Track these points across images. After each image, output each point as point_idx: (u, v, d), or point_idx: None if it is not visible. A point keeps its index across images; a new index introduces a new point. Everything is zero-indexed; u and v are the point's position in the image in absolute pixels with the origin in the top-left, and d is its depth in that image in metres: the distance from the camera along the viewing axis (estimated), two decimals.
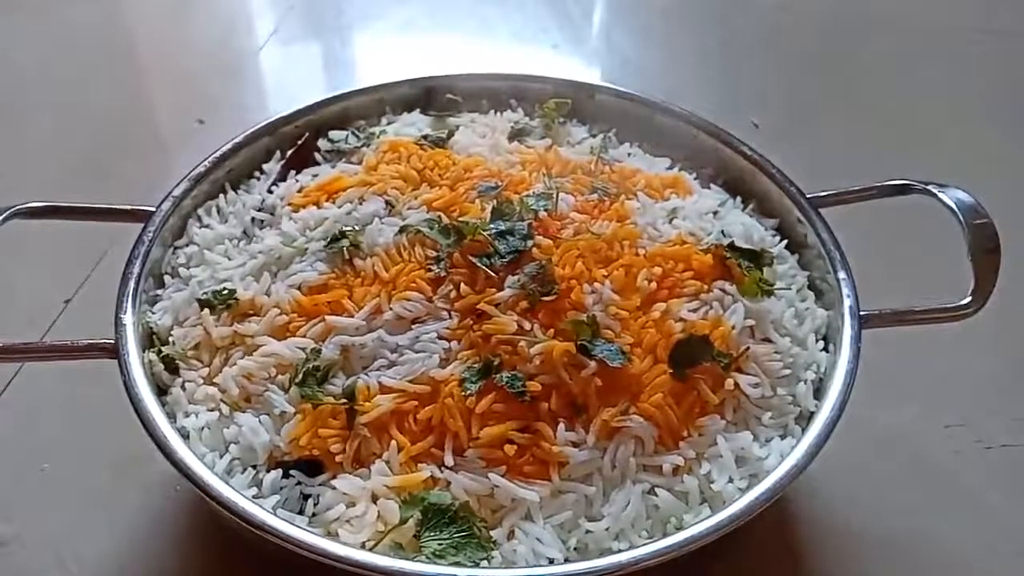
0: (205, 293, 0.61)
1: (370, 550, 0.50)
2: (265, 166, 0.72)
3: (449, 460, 0.53)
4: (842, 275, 0.63)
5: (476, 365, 0.55)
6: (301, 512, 0.53)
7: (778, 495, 0.52)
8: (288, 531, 0.49)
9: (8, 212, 0.61)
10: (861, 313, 0.61)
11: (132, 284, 0.61)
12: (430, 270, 0.59)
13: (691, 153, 0.76)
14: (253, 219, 0.67)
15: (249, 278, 0.62)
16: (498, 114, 0.77)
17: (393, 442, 0.54)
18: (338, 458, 0.54)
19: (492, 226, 0.60)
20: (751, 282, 0.62)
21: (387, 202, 0.64)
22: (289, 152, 0.73)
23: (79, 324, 0.73)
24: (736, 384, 0.57)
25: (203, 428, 0.56)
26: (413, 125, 0.75)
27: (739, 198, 0.72)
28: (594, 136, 0.75)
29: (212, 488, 0.51)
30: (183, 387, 0.58)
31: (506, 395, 0.54)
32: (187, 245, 0.67)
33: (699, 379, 0.57)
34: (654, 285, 0.59)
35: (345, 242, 0.61)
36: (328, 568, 0.48)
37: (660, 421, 0.55)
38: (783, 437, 0.57)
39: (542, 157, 0.70)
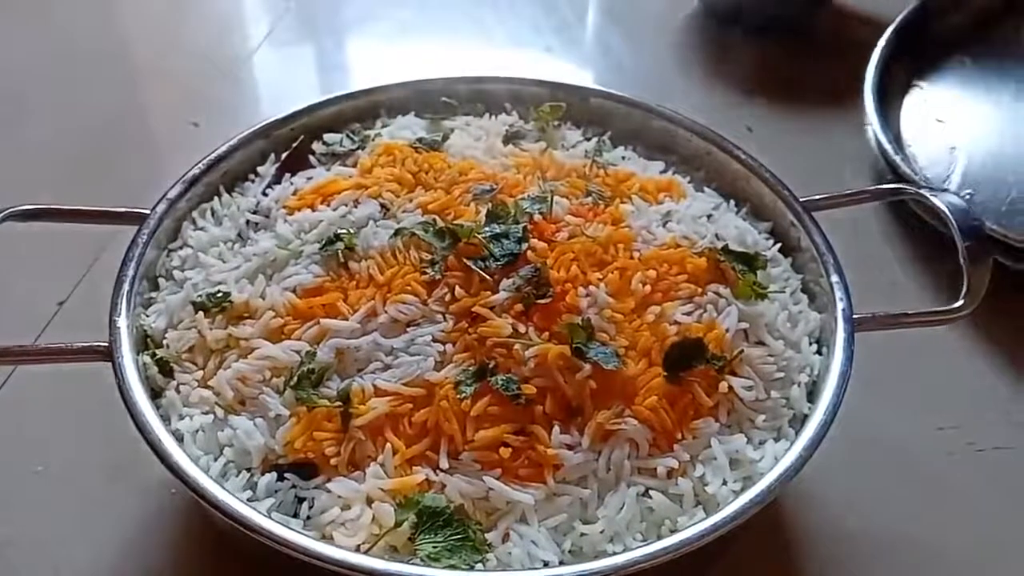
0: (199, 296, 0.61)
1: (365, 553, 0.50)
2: (260, 169, 0.72)
3: (444, 463, 0.53)
4: (835, 279, 0.63)
5: (471, 368, 0.55)
6: (296, 515, 0.53)
7: (772, 497, 0.52)
8: (283, 534, 0.49)
9: (2, 214, 0.61)
10: (854, 316, 0.61)
11: (126, 287, 0.61)
12: (425, 273, 0.59)
13: (685, 157, 0.76)
14: (248, 222, 0.67)
15: (244, 281, 0.62)
16: (493, 117, 0.77)
17: (388, 445, 0.54)
18: (333, 461, 0.54)
19: (487, 229, 0.60)
20: (745, 285, 0.62)
21: (382, 205, 0.64)
22: (284, 155, 0.72)
23: (73, 327, 0.73)
24: (730, 387, 0.57)
25: (197, 431, 0.56)
26: (408, 128, 0.75)
27: (733, 202, 0.72)
28: (588, 139, 0.76)
29: (207, 491, 0.51)
30: (177, 390, 0.58)
31: (501, 398, 0.54)
32: (181, 248, 0.66)
33: (693, 382, 0.57)
34: (648, 288, 0.60)
35: (340, 245, 0.61)
36: (323, 571, 0.48)
37: (654, 424, 0.55)
38: (777, 439, 0.57)
39: (537, 160, 0.70)
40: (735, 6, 1.10)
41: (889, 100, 0.91)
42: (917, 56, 0.96)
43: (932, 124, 0.91)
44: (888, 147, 0.83)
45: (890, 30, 0.95)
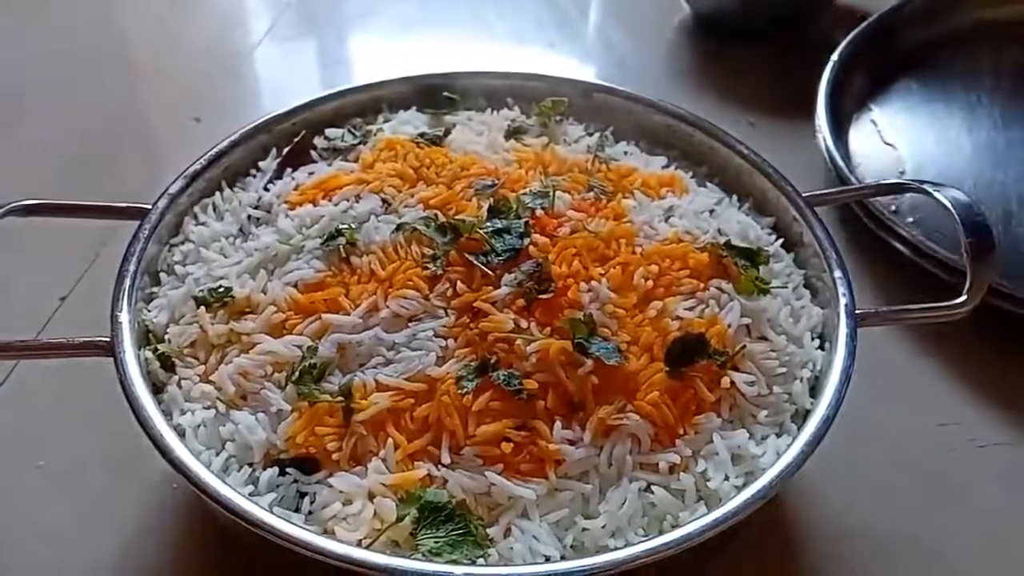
0: (201, 291, 0.61)
1: (367, 548, 0.50)
2: (261, 164, 0.72)
3: (446, 458, 0.53)
4: (838, 274, 0.63)
5: (473, 363, 0.55)
6: (297, 510, 0.53)
7: (774, 493, 0.52)
8: (284, 529, 0.49)
9: (3, 209, 0.61)
10: (857, 312, 0.61)
11: (128, 282, 0.61)
12: (426, 268, 0.59)
13: (687, 151, 0.76)
14: (249, 217, 0.67)
15: (245, 276, 0.62)
16: (495, 112, 0.77)
17: (389, 440, 0.54)
18: (334, 456, 0.54)
19: (489, 224, 0.60)
20: (747, 280, 0.62)
21: (383, 200, 0.64)
22: (286, 150, 0.72)
23: (75, 322, 0.73)
24: (732, 382, 0.57)
25: (199, 426, 0.56)
26: (409, 123, 0.75)
27: (735, 196, 0.72)
28: (591, 134, 0.76)
29: (208, 486, 0.51)
30: (179, 385, 0.58)
31: (503, 393, 0.54)
32: (183, 243, 0.66)
33: (695, 377, 0.57)
34: (650, 283, 0.60)
35: (341, 240, 0.61)
36: (324, 566, 0.49)
37: (656, 419, 0.55)
38: (779, 435, 0.57)
39: (539, 155, 0.70)
40: (723, 15, 1.10)
41: (841, 119, 0.91)
42: (868, 76, 0.97)
43: (881, 146, 0.92)
44: (841, 164, 0.84)
45: (844, 45, 0.96)
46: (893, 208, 0.80)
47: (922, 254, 0.76)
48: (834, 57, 0.94)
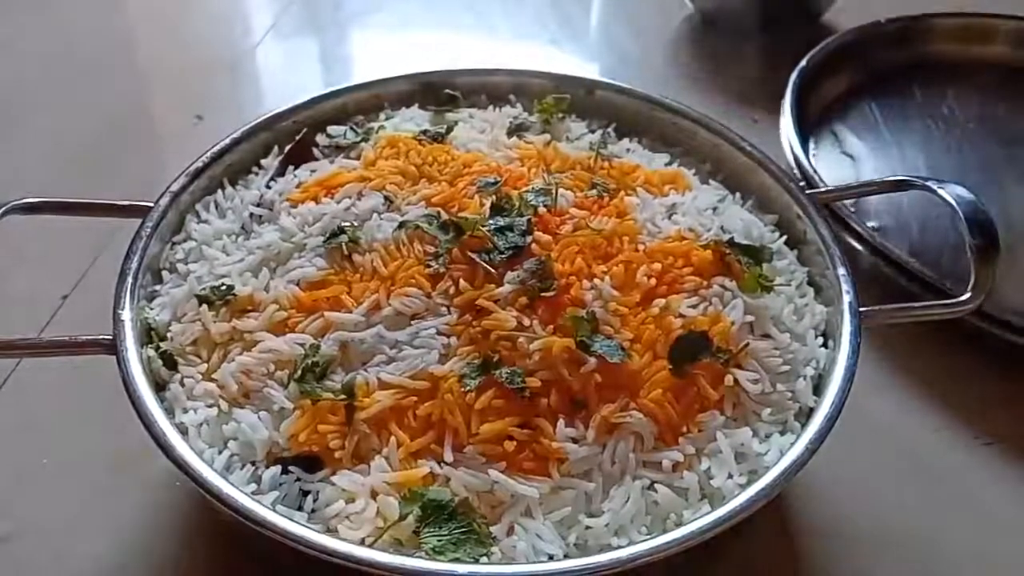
0: (203, 289, 0.61)
1: (369, 546, 0.50)
2: (263, 161, 0.72)
3: (448, 456, 0.53)
4: (841, 271, 0.63)
5: (475, 361, 0.55)
6: (300, 508, 0.53)
7: (777, 491, 0.52)
8: (287, 527, 0.49)
9: (5, 208, 0.61)
10: (860, 309, 0.61)
11: (130, 280, 0.61)
12: (429, 266, 0.59)
13: (690, 149, 0.76)
14: (251, 215, 0.67)
15: (247, 274, 0.62)
16: (497, 109, 0.77)
17: (392, 438, 0.54)
18: (337, 454, 0.54)
19: (491, 222, 0.60)
20: (750, 278, 0.62)
21: (386, 198, 0.64)
22: (287, 147, 0.72)
23: (77, 320, 0.73)
24: (736, 380, 0.57)
25: (202, 424, 0.56)
26: (412, 120, 0.75)
27: (738, 194, 0.72)
28: (593, 132, 0.75)
29: (211, 484, 0.51)
30: (182, 383, 0.58)
31: (506, 391, 0.54)
32: (185, 241, 0.66)
33: (698, 375, 0.57)
34: (653, 281, 0.59)
35: (344, 238, 0.61)
36: (327, 564, 0.48)
37: (660, 417, 0.55)
38: (783, 433, 0.57)
39: (541, 153, 0.69)
40: (726, 12, 1.10)
41: (805, 123, 0.91)
42: (833, 87, 0.99)
43: (839, 156, 0.93)
44: (806, 163, 0.83)
45: (813, 53, 0.97)
46: (853, 210, 0.81)
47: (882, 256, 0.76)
48: (803, 63, 0.95)
